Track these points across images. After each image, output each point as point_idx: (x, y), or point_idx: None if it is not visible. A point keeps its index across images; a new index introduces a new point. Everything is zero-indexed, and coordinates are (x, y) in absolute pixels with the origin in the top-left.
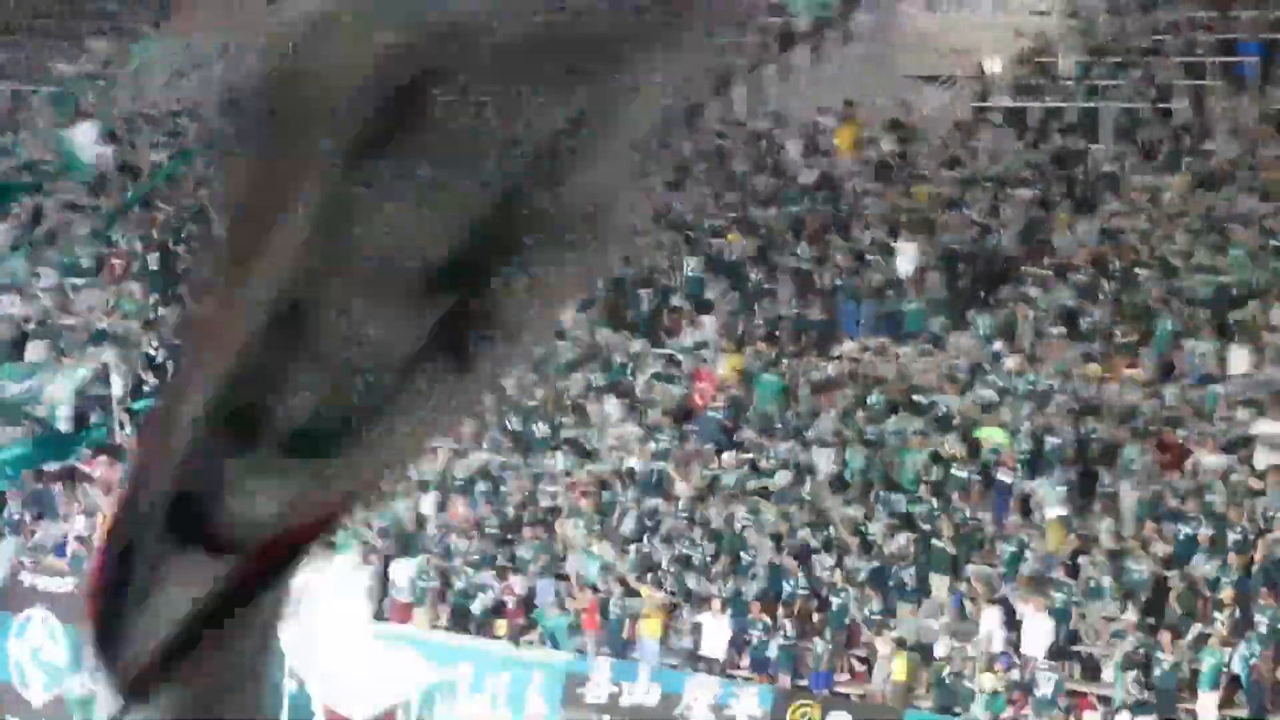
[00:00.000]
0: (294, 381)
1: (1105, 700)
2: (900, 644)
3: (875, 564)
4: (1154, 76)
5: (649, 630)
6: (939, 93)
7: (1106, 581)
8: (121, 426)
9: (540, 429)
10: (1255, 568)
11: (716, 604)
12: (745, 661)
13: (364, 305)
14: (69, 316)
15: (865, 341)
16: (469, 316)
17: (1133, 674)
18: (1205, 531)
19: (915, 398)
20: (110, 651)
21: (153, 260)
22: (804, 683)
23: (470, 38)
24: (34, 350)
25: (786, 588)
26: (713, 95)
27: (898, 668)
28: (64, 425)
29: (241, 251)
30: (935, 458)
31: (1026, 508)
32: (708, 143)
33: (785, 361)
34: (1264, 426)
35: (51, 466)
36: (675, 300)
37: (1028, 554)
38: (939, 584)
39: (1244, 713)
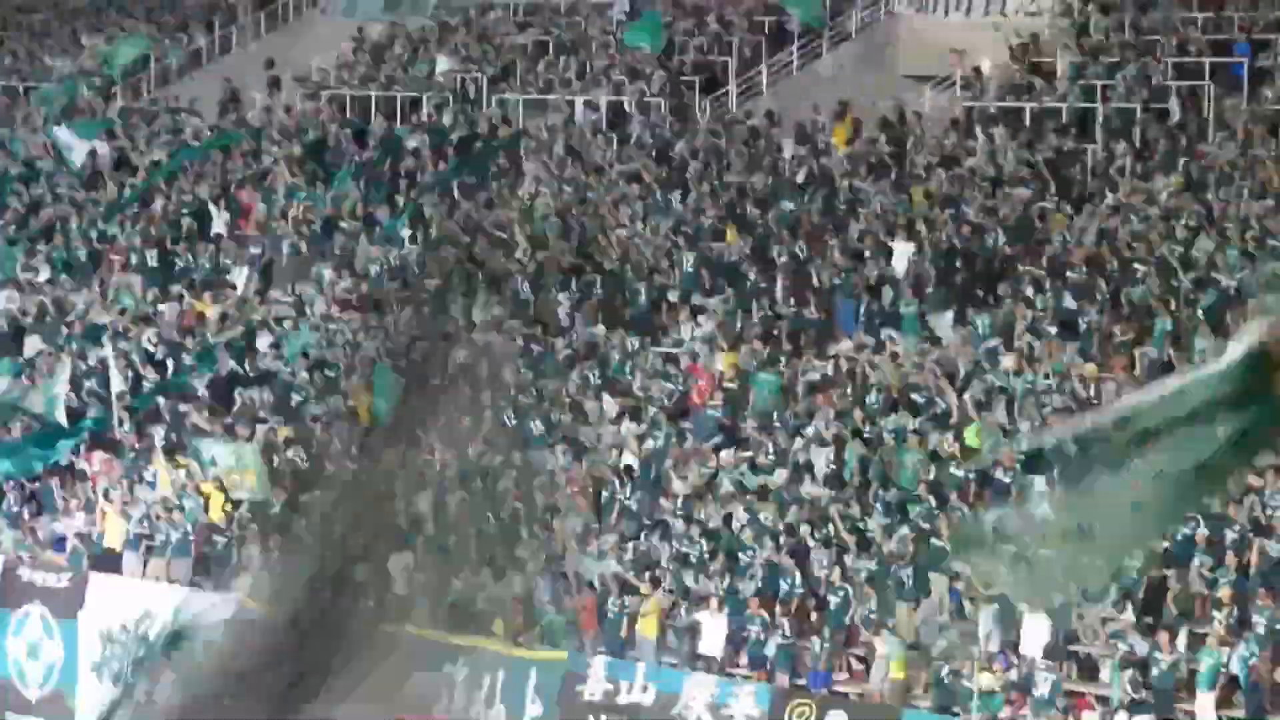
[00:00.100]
0: None
1: (1103, 700)
2: (900, 643)
3: (873, 563)
4: (1148, 76)
5: (647, 629)
6: (934, 92)
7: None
8: (120, 423)
9: (537, 426)
10: (1253, 568)
11: (714, 602)
12: (743, 660)
13: None
14: (66, 312)
15: (862, 340)
16: None
17: (1130, 674)
18: (1203, 531)
19: (913, 396)
20: None
21: (151, 256)
22: (802, 682)
23: None
24: (31, 345)
25: (784, 586)
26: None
27: (895, 667)
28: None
29: None
30: (933, 456)
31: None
32: (703, 141)
33: (782, 360)
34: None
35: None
36: (672, 298)
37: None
38: (937, 583)
39: (1241, 713)
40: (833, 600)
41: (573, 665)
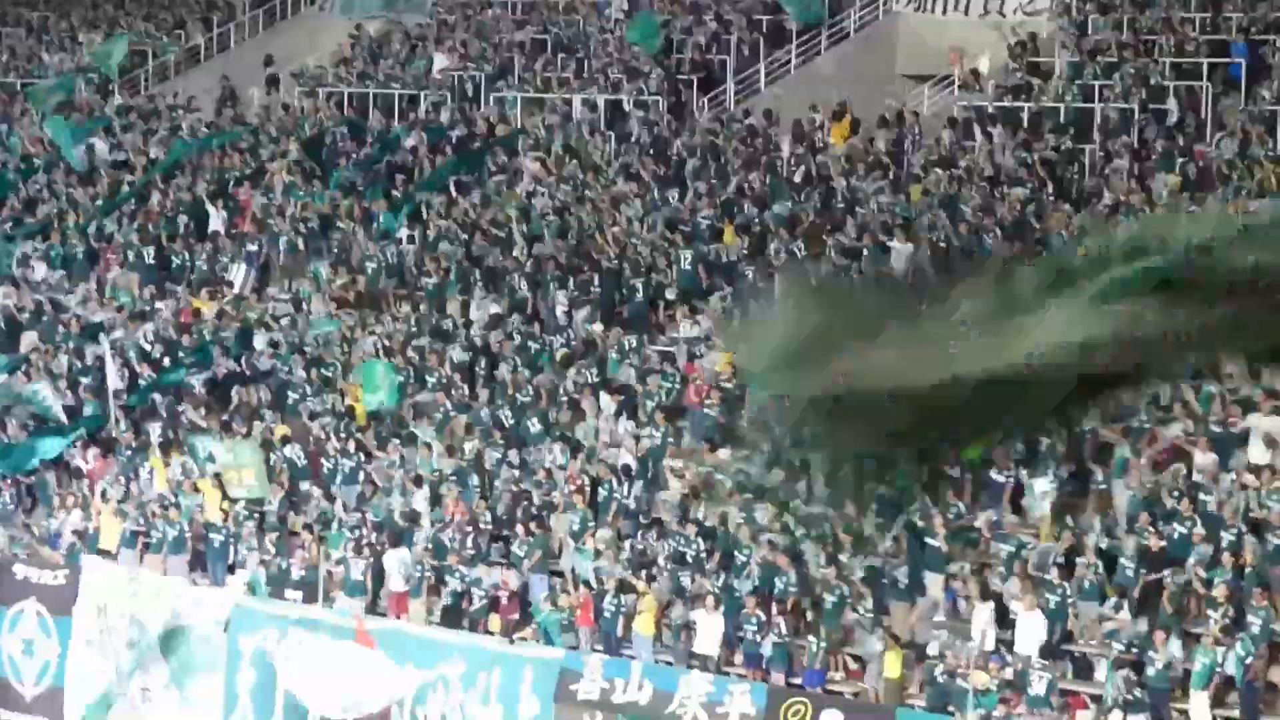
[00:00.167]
0: None
1: (1097, 699)
2: (894, 641)
3: (869, 561)
4: (1146, 76)
5: (643, 627)
6: (932, 92)
7: (1100, 580)
8: (117, 421)
9: (534, 424)
10: (1248, 568)
11: (710, 601)
12: (738, 659)
13: None
14: (63, 308)
15: None
16: None
17: (1125, 673)
18: (1199, 530)
19: None
20: None
21: (148, 254)
22: (797, 680)
23: None
24: (28, 341)
25: (779, 585)
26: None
27: (890, 666)
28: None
29: None
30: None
31: (1019, 506)
32: (701, 140)
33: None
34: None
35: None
36: (669, 296)
37: (1022, 553)
38: (933, 581)
39: (1236, 713)
40: (828, 599)
41: (568, 663)
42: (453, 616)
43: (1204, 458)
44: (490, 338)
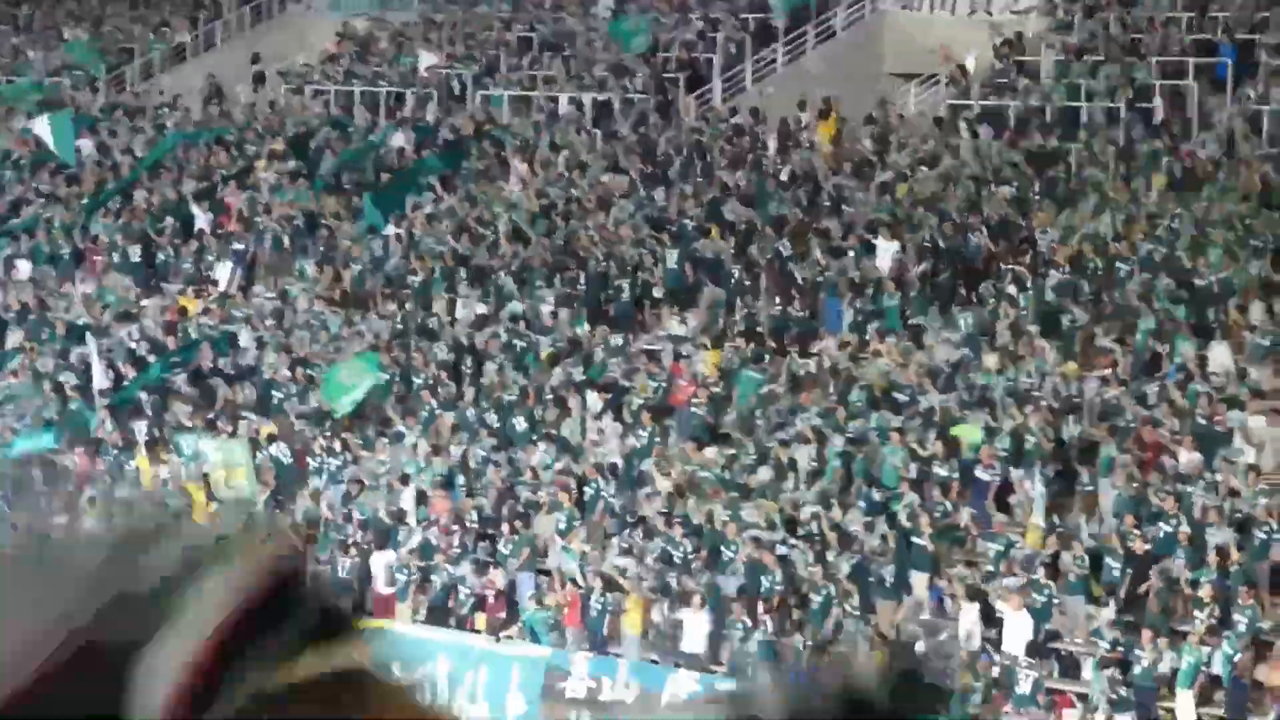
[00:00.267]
0: None
1: (1084, 698)
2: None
3: (855, 559)
4: (1132, 76)
5: (629, 626)
6: (919, 90)
7: (1086, 579)
8: (102, 422)
9: (520, 423)
10: (1234, 566)
11: (696, 600)
12: (725, 656)
13: None
14: (48, 308)
15: (845, 338)
16: None
17: (1111, 672)
18: (1184, 529)
19: (895, 395)
20: None
21: (134, 253)
22: None
23: None
24: (14, 340)
25: (765, 583)
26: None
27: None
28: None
29: None
30: (915, 454)
31: (1006, 505)
32: (686, 138)
33: (766, 358)
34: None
35: (29, 456)
36: (656, 295)
37: (1010, 552)
38: (918, 581)
39: (1221, 711)
40: (814, 598)
41: (555, 661)
42: (439, 615)
43: (1189, 456)
44: (476, 336)
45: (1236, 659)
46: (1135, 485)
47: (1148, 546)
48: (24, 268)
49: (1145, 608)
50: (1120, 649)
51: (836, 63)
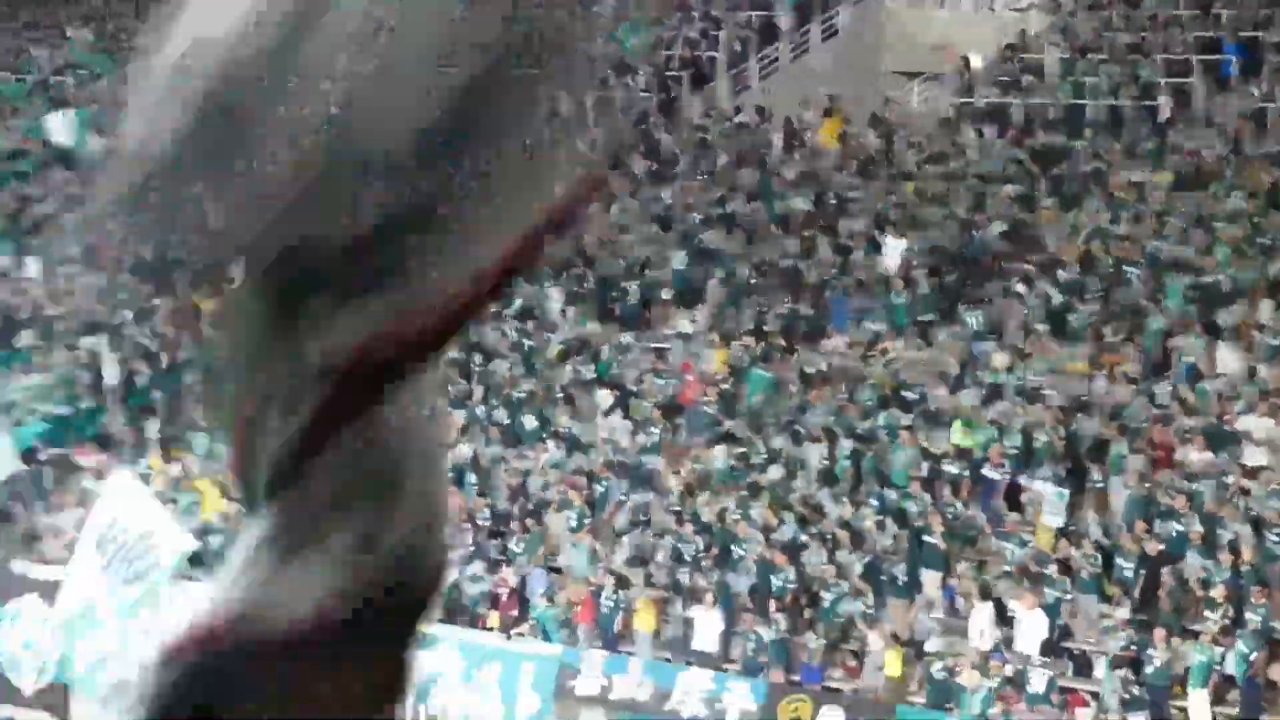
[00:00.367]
0: (357, 202)
1: (1097, 697)
2: (893, 639)
3: (867, 558)
4: (1137, 74)
5: (641, 623)
6: (923, 88)
7: (1098, 578)
8: (115, 417)
9: (530, 421)
10: (1246, 566)
11: (708, 598)
12: (737, 654)
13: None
14: (60, 306)
15: (853, 336)
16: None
17: (1124, 671)
18: (1196, 529)
19: (904, 393)
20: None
21: (146, 250)
22: (796, 677)
23: None
24: (26, 339)
25: (776, 582)
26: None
27: (890, 663)
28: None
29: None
30: (925, 453)
31: (1017, 504)
32: (691, 136)
33: (775, 356)
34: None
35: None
36: (663, 294)
37: (1021, 551)
38: (930, 580)
39: (1234, 710)
40: (826, 596)
41: (567, 659)
42: (451, 613)
43: (1201, 455)
44: (485, 334)
45: (1252, 658)
46: (1146, 484)
47: (1160, 546)
48: (34, 265)
49: (1158, 606)
50: (1133, 648)
51: (841, 61)
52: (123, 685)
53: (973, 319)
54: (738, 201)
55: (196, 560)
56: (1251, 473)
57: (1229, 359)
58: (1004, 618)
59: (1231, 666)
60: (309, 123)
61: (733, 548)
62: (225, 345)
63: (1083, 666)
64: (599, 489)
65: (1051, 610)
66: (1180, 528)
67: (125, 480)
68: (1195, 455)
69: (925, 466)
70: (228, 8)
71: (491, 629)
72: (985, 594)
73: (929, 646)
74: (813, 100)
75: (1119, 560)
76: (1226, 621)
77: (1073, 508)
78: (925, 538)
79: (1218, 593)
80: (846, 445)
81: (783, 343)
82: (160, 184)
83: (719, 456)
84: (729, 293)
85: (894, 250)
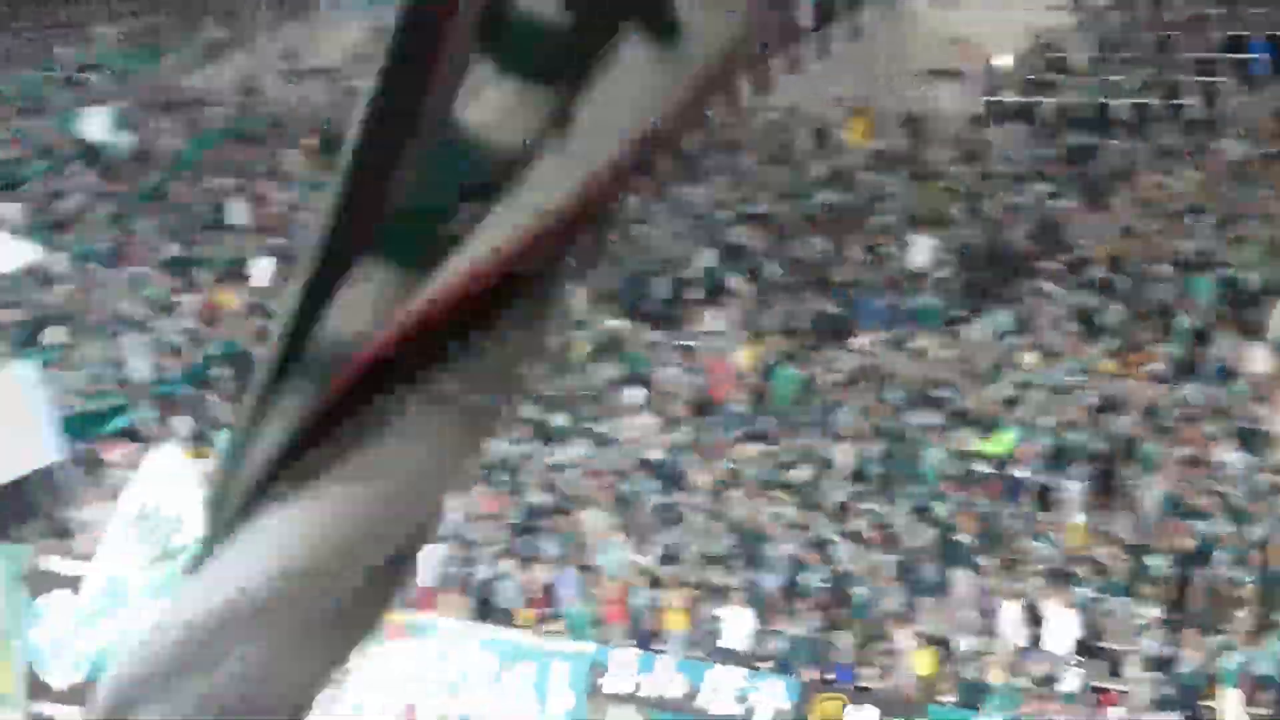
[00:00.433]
0: (405, 160)
1: (1128, 696)
2: (924, 638)
3: (898, 558)
4: (1165, 72)
5: (672, 622)
6: (952, 87)
7: (1128, 578)
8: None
9: (559, 419)
10: (1276, 566)
11: (739, 596)
12: (768, 651)
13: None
14: (88, 302)
15: (881, 335)
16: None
17: (1155, 671)
18: (1227, 529)
19: (933, 392)
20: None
21: (172, 247)
22: (829, 676)
23: None
24: (53, 335)
25: (807, 581)
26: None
27: (921, 662)
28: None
29: None
30: (955, 452)
31: (1048, 503)
32: (720, 134)
33: (804, 354)
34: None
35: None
36: (692, 292)
37: (1052, 550)
38: (961, 579)
39: (1266, 710)
40: (857, 595)
41: (599, 658)
42: (483, 611)
43: (1232, 455)
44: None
45: None
46: (1177, 484)
47: (1194, 543)
48: (63, 262)
49: (1189, 606)
50: (1164, 648)
51: (870, 59)
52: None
53: (1002, 318)
54: (767, 199)
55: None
56: None
57: (1259, 358)
58: (1035, 618)
59: (1264, 666)
60: None
61: (763, 546)
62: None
63: (1114, 666)
64: (629, 487)
65: (1083, 610)
66: (1211, 528)
67: (172, 457)
68: (1226, 455)
69: (956, 466)
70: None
71: (523, 627)
72: (1016, 593)
73: (960, 646)
74: (841, 99)
75: (1150, 560)
76: (1258, 621)
77: (1103, 508)
78: (955, 537)
79: (1248, 592)
80: (876, 444)
81: (812, 341)
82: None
83: (749, 454)
84: (758, 291)
85: (923, 249)
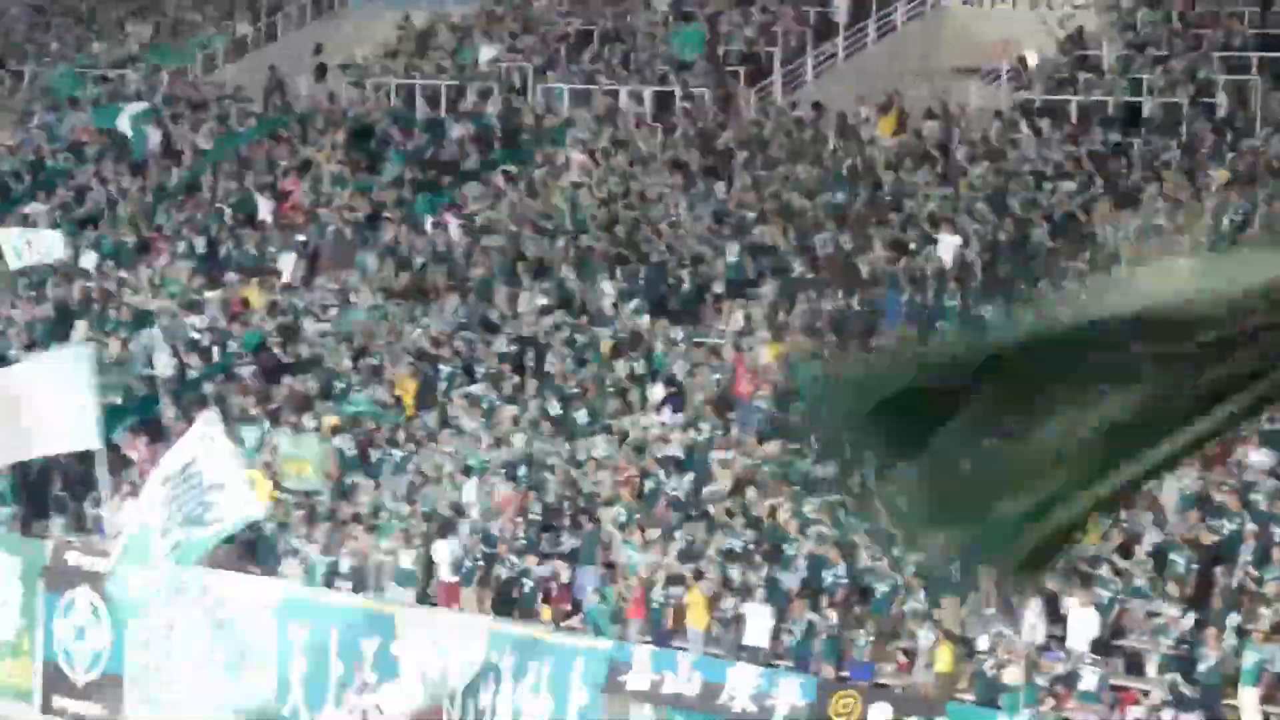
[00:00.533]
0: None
1: (1148, 695)
2: (944, 635)
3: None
4: (1195, 70)
5: (693, 619)
6: (980, 84)
7: (1151, 576)
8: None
9: (582, 415)
10: None
11: (759, 594)
12: (787, 647)
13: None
14: (113, 297)
15: (907, 331)
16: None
17: (1176, 669)
18: (1250, 527)
19: None
20: None
21: (198, 243)
22: (846, 673)
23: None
24: (79, 331)
25: (828, 578)
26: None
27: (941, 659)
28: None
29: None
30: None
31: None
32: (748, 131)
33: (828, 351)
34: None
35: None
36: (717, 288)
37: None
38: (983, 576)
39: None
40: (878, 592)
41: (618, 654)
42: (503, 607)
43: (1256, 454)
44: (538, 329)
45: None
46: (1199, 482)
47: (1216, 538)
48: (90, 257)
49: (1210, 605)
50: (1185, 646)
51: (898, 56)
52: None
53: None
54: (792, 196)
55: (229, 540)
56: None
57: None
58: (1056, 615)
59: None
60: None
61: (784, 543)
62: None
63: (1134, 665)
64: (650, 484)
65: (1103, 608)
66: (1233, 525)
67: (215, 427)
68: (1249, 453)
69: None
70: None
71: (543, 623)
72: (1037, 590)
73: (980, 643)
74: (869, 96)
75: (1172, 557)
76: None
77: (1126, 505)
78: None
79: (1271, 590)
80: None
81: (835, 338)
82: None
83: (771, 452)
84: (782, 288)
85: (949, 246)
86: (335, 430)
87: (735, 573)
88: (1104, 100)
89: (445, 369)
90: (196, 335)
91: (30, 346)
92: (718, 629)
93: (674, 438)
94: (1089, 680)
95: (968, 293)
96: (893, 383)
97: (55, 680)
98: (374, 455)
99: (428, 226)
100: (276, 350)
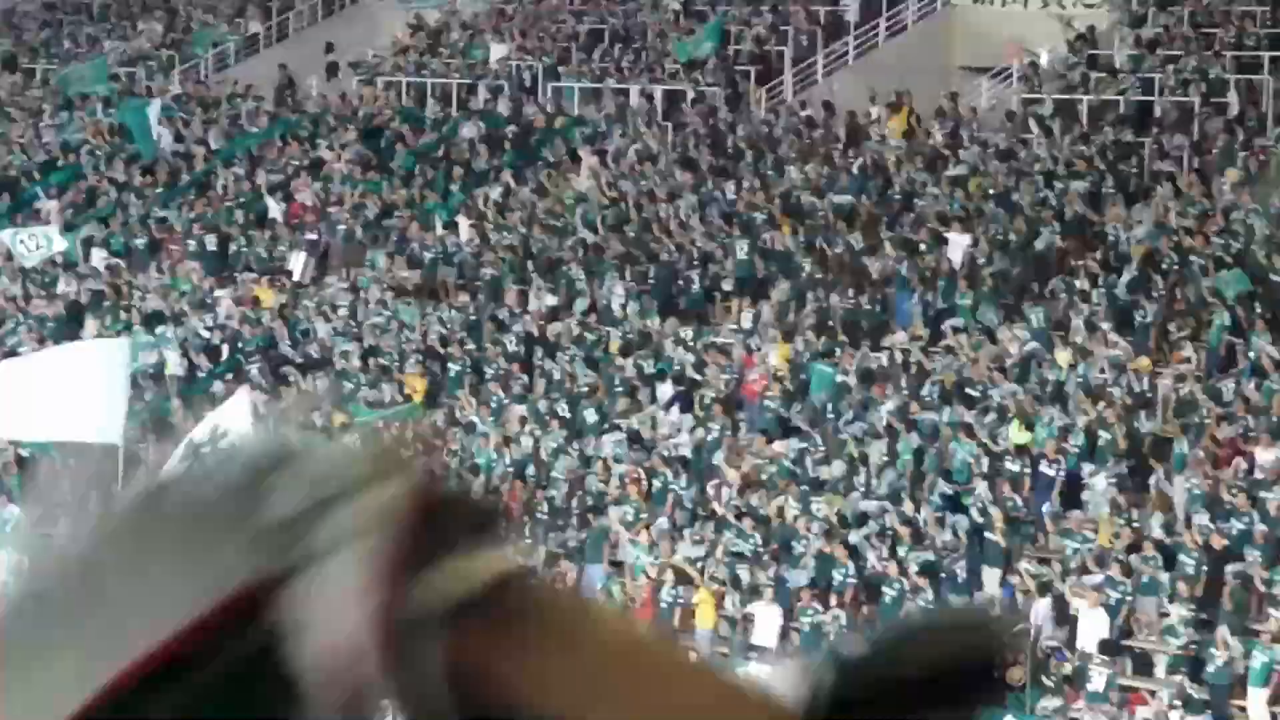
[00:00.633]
0: None
1: (1156, 695)
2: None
3: (927, 555)
4: (1206, 69)
5: (701, 619)
6: (991, 84)
7: (1160, 576)
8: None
9: (590, 415)
10: None
11: (767, 593)
12: (796, 648)
13: None
14: (124, 297)
15: (916, 332)
16: None
17: (1184, 670)
18: (1260, 527)
19: (967, 390)
20: None
21: (209, 242)
22: None
23: None
24: (90, 329)
25: (837, 577)
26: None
27: None
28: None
29: None
30: (987, 449)
31: (1078, 501)
32: (758, 131)
33: (838, 351)
34: None
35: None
36: (726, 288)
37: (1082, 548)
38: (990, 576)
39: None
40: (887, 592)
41: None
42: None
43: (1265, 455)
44: (547, 328)
45: None
46: (1209, 482)
47: (1225, 542)
48: (100, 256)
49: (1219, 605)
50: (1194, 647)
51: (908, 56)
52: None
53: (1036, 315)
54: (802, 196)
55: None
56: None
57: None
58: (1064, 615)
59: None
60: None
61: (792, 543)
62: None
63: (1143, 665)
64: (659, 483)
65: (1112, 609)
66: (1243, 526)
67: (246, 404)
68: (1259, 453)
69: (986, 463)
70: None
71: None
72: (1045, 591)
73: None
74: (879, 95)
75: (1181, 558)
76: None
77: (1135, 505)
78: (986, 534)
79: (1279, 591)
80: (908, 441)
81: (845, 338)
82: None
83: (780, 451)
84: (792, 287)
85: (958, 246)
86: (344, 429)
87: (744, 572)
88: (1115, 99)
89: (454, 368)
90: (206, 335)
91: (41, 343)
92: (726, 628)
93: (682, 437)
94: (1097, 680)
95: (978, 292)
96: None
97: None
98: None
99: (438, 226)
100: (286, 349)
